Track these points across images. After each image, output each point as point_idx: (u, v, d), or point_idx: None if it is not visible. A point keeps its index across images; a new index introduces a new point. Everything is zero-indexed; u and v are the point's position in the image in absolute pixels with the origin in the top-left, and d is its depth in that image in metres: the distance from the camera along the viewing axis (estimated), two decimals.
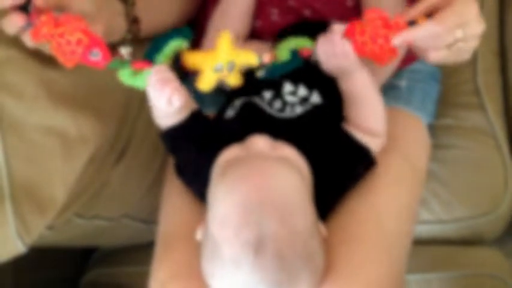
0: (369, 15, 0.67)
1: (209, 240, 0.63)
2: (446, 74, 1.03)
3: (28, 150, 0.68)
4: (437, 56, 0.67)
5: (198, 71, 0.69)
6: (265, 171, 0.63)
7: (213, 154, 0.70)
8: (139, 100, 0.90)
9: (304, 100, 0.74)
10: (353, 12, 0.83)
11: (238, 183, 0.62)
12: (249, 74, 0.73)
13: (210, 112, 0.82)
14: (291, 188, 0.63)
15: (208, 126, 0.74)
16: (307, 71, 0.74)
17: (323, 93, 0.74)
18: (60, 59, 0.66)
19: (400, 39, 0.66)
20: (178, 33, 0.70)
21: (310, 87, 0.75)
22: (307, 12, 0.84)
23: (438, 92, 0.97)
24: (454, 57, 0.68)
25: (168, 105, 0.66)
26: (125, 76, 0.67)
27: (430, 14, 0.66)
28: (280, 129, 0.70)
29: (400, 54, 0.76)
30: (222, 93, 0.82)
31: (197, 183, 0.73)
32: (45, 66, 0.69)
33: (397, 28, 0.66)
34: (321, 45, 0.69)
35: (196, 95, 0.74)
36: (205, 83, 0.69)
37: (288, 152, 0.68)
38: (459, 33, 0.65)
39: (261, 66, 0.71)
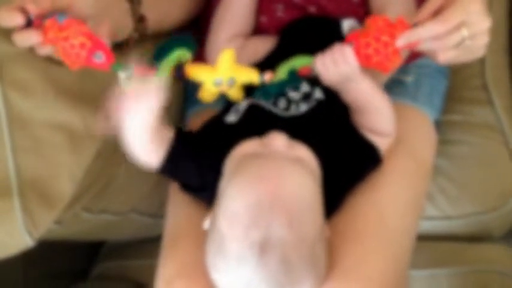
0: (369, 19, 0.66)
1: (216, 233, 0.63)
2: (454, 69, 1.03)
3: (36, 145, 0.69)
4: (446, 57, 0.66)
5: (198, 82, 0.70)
6: (281, 173, 0.63)
7: (222, 153, 0.70)
8: None
9: (307, 96, 0.74)
10: (359, 8, 0.83)
11: (253, 183, 0.62)
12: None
13: (214, 110, 0.81)
14: (304, 193, 0.63)
15: (211, 128, 0.74)
16: None
17: (325, 89, 0.74)
18: (66, 62, 0.67)
19: (403, 40, 0.64)
20: (183, 43, 0.69)
21: (312, 83, 0.75)
22: (312, 9, 0.84)
23: (446, 87, 0.97)
24: (465, 56, 0.67)
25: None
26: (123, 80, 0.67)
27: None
28: (288, 128, 0.69)
29: (405, 53, 0.74)
30: None
31: (205, 193, 0.72)
32: (52, 63, 0.70)
33: (402, 26, 0.65)
34: (319, 57, 0.68)
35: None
36: (206, 95, 0.71)
37: (304, 152, 0.68)
38: (464, 32, 0.64)
39: (262, 83, 0.71)
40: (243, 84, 0.71)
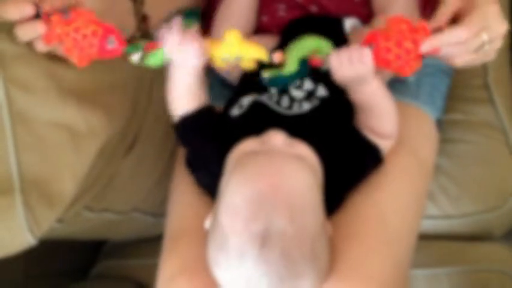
0: (391, 20, 0.65)
1: (217, 229, 0.64)
2: (456, 68, 1.03)
3: (38, 144, 0.69)
4: (464, 60, 0.66)
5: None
6: (282, 169, 0.63)
7: (224, 147, 0.70)
8: (147, 94, 0.91)
9: (311, 94, 0.74)
10: (360, 8, 0.83)
11: (252, 178, 0.63)
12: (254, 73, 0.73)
13: (217, 106, 0.82)
14: (304, 188, 0.63)
15: (219, 121, 0.75)
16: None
17: (328, 86, 0.74)
18: (75, 58, 0.67)
19: (428, 46, 0.64)
20: (189, 14, 0.71)
21: (316, 81, 0.75)
22: (314, 8, 0.84)
23: (448, 87, 0.97)
24: (480, 59, 0.68)
25: (196, 57, 0.68)
26: (135, 59, 0.69)
27: (453, 20, 0.65)
28: (290, 127, 0.70)
29: None
30: (229, 87, 0.82)
31: (205, 174, 0.74)
32: (55, 62, 0.70)
33: (424, 32, 0.64)
34: (336, 52, 0.68)
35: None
36: (218, 64, 0.72)
37: (304, 150, 0.68)
38: (485, 36, 0.64)
39: (271, 63, 0.71)
40: (252, 59, 0.71)
